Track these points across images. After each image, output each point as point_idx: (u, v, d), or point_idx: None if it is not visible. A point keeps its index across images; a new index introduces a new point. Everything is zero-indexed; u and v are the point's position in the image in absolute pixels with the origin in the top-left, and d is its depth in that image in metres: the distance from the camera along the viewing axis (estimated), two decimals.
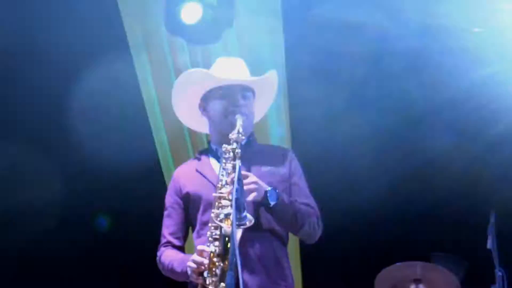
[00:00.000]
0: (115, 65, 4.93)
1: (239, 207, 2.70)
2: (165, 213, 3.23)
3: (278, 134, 5.20)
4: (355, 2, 4.78)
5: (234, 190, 2.69)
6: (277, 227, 3.07)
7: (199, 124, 3.33)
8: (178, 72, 5.03)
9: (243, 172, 2.91)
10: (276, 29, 5.02)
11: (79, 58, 4.99)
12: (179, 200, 3.19)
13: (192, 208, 3.14)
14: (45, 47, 4.97)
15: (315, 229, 3.11)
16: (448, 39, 4.81)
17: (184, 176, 3.22)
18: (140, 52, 5.09)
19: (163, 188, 5.02)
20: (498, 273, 4.06)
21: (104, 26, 4.90)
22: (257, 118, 3.31)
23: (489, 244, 4.09)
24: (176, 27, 4.75)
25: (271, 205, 2.97)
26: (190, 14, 4.68)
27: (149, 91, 5.17)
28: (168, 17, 4.72)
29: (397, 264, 4.59)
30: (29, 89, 5.19)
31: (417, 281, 4.56)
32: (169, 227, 3.20)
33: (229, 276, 2.71)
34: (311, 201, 3.16)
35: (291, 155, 3.23)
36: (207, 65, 3.35)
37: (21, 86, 5.22)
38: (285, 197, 3.03)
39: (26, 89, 5.21)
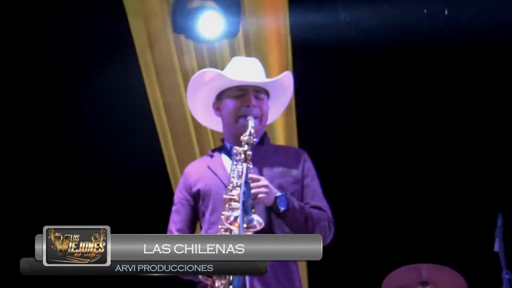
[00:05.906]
0: (120, 65, 4.93)
1: (246, 210, 2.68)
2: (173, 208, 3.20)
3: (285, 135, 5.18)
4: None
5: (242, 193, 2.67)
6: (287, 230, 3.03)
7: (214, 123, 3.30)
8: (184, 73, 5.03)
9: (255, 176, 2.90)
10: (282, 28, 5.01)
11: (84, 59, 4.99)
12: (188, 197, 3.16)
13: (201, 206, 3.12)
14: (49, 48, 4.97)
15: (326, 233, 3.06)
16: None
17: (195, 173, 3.19)
18: (145, 52, 5.08)
19: (169, 188, 5.05)
20: (505, 276, 4.03)
21: (109, 27, 4.90)
22: (272, 119, 3.29)
23: (496, 247, 4.07)
24: (183, 28, 4.79)
25: (280, 211, 2.94)
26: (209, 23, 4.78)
27: (154, 92, 5.15)
28: (174, 18, 4.75)
29: (403, 267, 4.57)
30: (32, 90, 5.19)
31: (423, 283, 4.54)
32: (176, 223, 3.16)
33: (237, 279, 2.70)
34: (324, 203, 3.12)
35: (304, 156, 3.19)
36: (213, 66, 3.33)
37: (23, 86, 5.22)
38: (295, 202, 2.99)
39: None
